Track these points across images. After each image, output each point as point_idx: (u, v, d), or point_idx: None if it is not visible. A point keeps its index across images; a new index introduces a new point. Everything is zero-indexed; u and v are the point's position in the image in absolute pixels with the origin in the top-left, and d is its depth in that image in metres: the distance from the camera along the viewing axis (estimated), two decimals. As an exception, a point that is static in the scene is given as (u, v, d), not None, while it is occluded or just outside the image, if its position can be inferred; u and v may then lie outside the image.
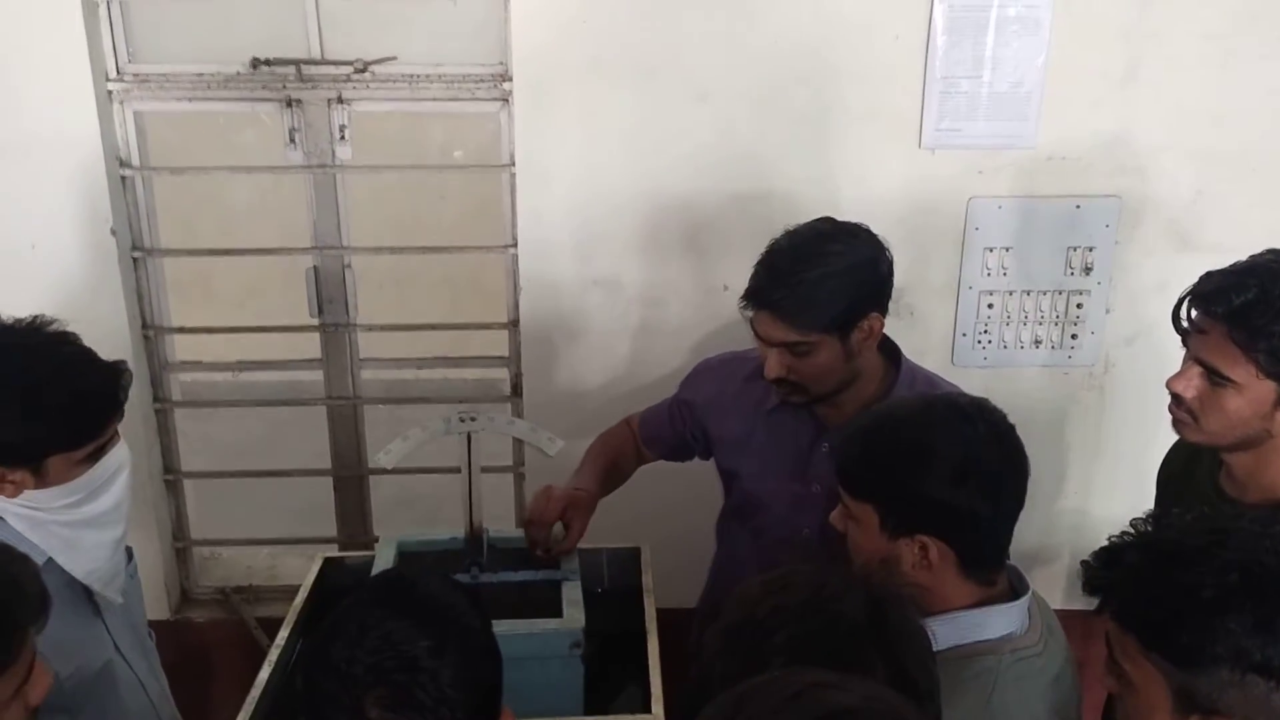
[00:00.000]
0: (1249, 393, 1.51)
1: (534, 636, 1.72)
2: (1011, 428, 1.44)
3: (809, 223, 1.83)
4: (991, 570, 1.43)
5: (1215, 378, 1.53)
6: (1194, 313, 1.56)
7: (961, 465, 1.37)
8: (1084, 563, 1.18)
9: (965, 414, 1.41)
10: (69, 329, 1.69)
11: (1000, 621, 1.39)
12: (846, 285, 1.75)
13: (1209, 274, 1.55)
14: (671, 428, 2.11)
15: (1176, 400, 1.59)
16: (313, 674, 1.21)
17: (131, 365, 2.39)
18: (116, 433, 1.73)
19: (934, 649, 1.32)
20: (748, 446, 1.98)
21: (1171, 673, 1.07)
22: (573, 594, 1.82)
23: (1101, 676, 1.16)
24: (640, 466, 2.17)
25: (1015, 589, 1.44)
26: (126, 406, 2.36)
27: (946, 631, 1.38)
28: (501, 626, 1.65)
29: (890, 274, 1.83)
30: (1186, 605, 1.05)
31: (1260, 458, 1.56)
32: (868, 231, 1.83)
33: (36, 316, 1.68)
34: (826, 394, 1.84)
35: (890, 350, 1.91)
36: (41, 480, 1.62)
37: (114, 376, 1.69)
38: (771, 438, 1.95)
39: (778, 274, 1.76)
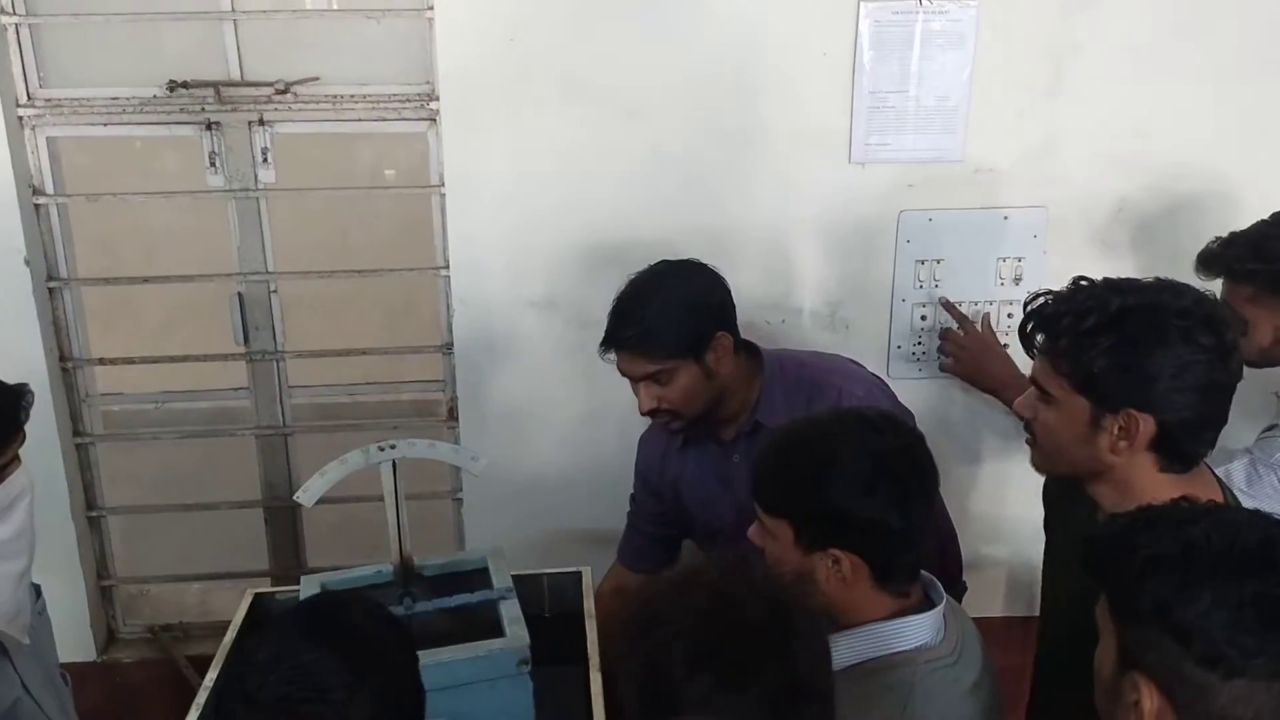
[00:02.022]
0: (1065, 409, 1.46)
1: (480, 659, 1.70)
2: (920, 438, 1.46)
3: (648, 267, 2.00)
4: (905, 581, 1.43)
5: (1042, 394, 1.49)
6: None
7: (870, 476, 1.38)
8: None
9: (872, 425, 1.43)
10: None
11: (913, 632, 1.39)
12: (688, 312, 1.93)
13: (1042, 290, 1.53)
14: (643, 535, 2.23)
15: (1025, 425, 1.56)
16: (224, 699, 1.18)
17: (50, 399, 2.35)
18: (18, 458, 1.69)
19: (849, 662, 1.37)
20: (683, 489, 2.12)
21: (1117, 625, 1.09)
22: (512, 612, 1.80)
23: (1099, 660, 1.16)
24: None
25: (930, 599, 1.45)
26: (47, 441, 2.30)
27: (861, 644, 1.38)
28: (445, 653, 1.66)
29: (729, 297, 1.99)
30: (1130, 560, 1.07)
31: (1119, 494, 1.46)
32: (699, 264, 2.00)
33: None
34: (700, 415, 1.98)
35: (751, 350, 2.05)
36: None
37: (12, 397, 1.65)
38: (695, 473, 2.10)
39: (623, 315, 1.94)
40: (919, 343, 2.46)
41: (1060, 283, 2.37)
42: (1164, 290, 1.45)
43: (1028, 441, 1.58)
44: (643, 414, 1.99)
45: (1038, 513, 2.57)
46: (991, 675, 1.47)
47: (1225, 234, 2.06)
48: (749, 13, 2.24)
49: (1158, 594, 1.04)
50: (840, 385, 2.01)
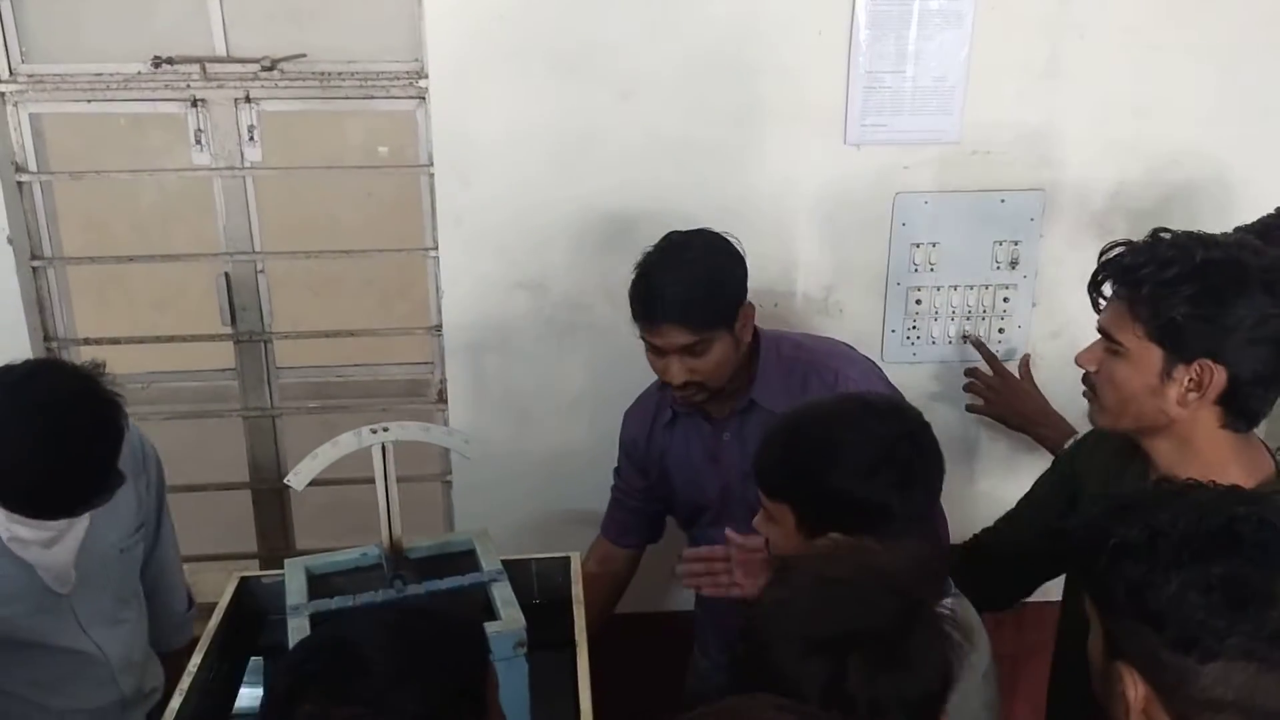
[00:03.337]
0: (1136, 359, 1.46)
1: None
2: (925, 424, 1.44)
3: (663, 238, 1.96)
4: None
5: (1111, 345, 1.49)
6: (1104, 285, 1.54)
7: (872, 459, 1.37)
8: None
9: (875, 410, 1.43)
10: None
11: None
12: (720, 281, 1.90)
13: (1119, 241, 1.53)
14: (626, 510, 2.21)
15: (1085, 378, 1.56)
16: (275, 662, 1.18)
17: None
18: None
19: None
20: (668, 463, 2.11)
21: (1099, 615, 1.10)
22: (504, 594, 1.79)
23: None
24: (626, 578, 2.26)
25: None
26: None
27: None
28: None
29: (745, 262, 1.95)
30: (1102, 550, 1.08)
31: (1178, 451, 1.48)
32: (714, 232, 1.96)
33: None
34: (724, 386, 1.95)
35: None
36: None
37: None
38: (682, 448, 2.08)
39: (660, 287, 1.87)
40: (913, 327, 2.44)
41: (1058, 266, 2.39)
42: (1244, 247, 1.46)
43: (1086, 395, 1.57)
44: (674, 387, 1.93)
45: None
46: (995, 662, 1.47)
47: (1229, 222, 2.05)
48: (744, -10, 2.21)
49: (1129, 582, 1.05)
50: (837, 368, 2.00)
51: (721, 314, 1.88)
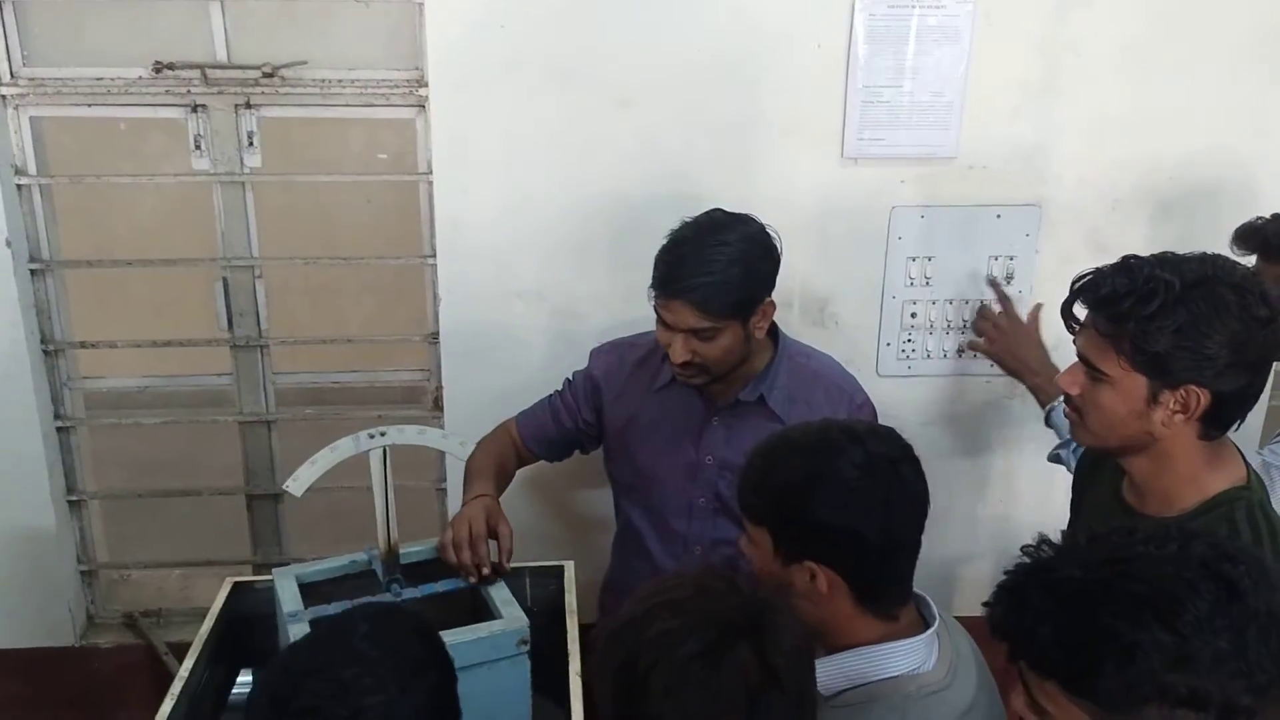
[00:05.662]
0: (1121, 387, 1.47)
1: (481, 641, 1.70)
2: (913, 457, 1.40)
3: (705, 213, 1.92)
4: (892, 604, 1.38)
5: (1093, 372, 1.50)
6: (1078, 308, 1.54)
7: (847, 489, 1.33)
8: (986, 604, 1.13)
9: (857, 438, 1.38)
10: None
11: (903, 658, 1.35)
12: (748, 272, 1.86)
13: (1089, 270, 1.53)
14: (556, 423, 2.14)
15: (1067, 399, 1.57)
16: (255, 701, 1.18)
17: (31, 382, 2.33)
18: None
19: (839, 687, 1.35)
20: (639, 425, 2.06)
21: (1100, 715, 1.04)
22: (502, 594, 1.81)
23: (1022, 711, 1.12)
24: (520, 469, 2.18)
25: (925, 621, 1.40)
26: (27, 424, 2.27)
27: (848, 668, 1.35)
28: (445, 637, 1.62)
29: (779, 260, 1.92)
30: (1105, 650, 1.02)
31: (1155, 464, 1.51)
32: (757, 222, 1.91)
33: None
34: (726, 374, 1.93)
35: (771, 326, 2.00)
36: None
37: None
38: (662, 414, 2.04)
39: (685, 263, 1.84)
40: (909, 340, 2.45)
41: (1053, 282, 2.39)
42: (1216, 265, 1.47)
43: (1068, 415, 1.59)
44: (675, 364, 1.90)
45: (1019, 510, 2.59)
46: (989, 691, 1.43)
47: (1223, 238, 2.05)
48: (744, 3, 2.22)
49: (1157, 674, 1.00)
50: (841, 385, 2.03)
51: (739, 307, 1.85)
